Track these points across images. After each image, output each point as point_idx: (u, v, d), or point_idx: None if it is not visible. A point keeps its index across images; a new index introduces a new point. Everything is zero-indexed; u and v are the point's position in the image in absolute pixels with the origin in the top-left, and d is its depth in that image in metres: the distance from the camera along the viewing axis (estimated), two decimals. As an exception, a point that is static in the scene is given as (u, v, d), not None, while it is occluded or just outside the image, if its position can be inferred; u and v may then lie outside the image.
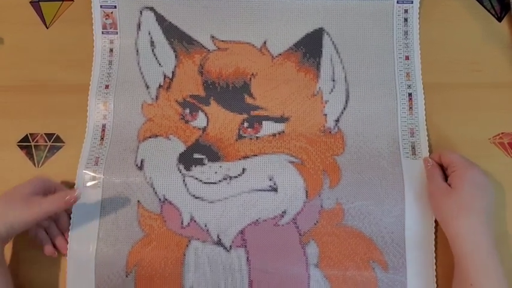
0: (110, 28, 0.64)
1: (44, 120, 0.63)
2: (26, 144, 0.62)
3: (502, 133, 0.61)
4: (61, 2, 0.67)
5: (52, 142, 0.62)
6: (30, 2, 0.67)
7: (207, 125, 0.60)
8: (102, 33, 0.64)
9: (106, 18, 0.64)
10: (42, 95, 0.64)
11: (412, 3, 0.63)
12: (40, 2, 0.67)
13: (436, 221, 0.56)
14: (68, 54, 0.63)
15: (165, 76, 0.63)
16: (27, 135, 0.62)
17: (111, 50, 0.64)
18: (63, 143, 0.62)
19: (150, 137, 0.60)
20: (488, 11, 0.66)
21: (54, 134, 0.62)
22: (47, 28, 0.66)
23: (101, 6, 0.64)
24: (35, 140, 0.62)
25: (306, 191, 0.58)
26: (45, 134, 0.62)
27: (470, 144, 0.60)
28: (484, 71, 0.63)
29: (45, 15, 0.66)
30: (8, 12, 0.66)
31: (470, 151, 0.58)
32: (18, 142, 0.62)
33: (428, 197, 0.55)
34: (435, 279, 0.56)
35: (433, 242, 0.56)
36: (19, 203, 0.51)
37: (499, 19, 0.66)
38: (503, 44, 0.64)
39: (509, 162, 0.60)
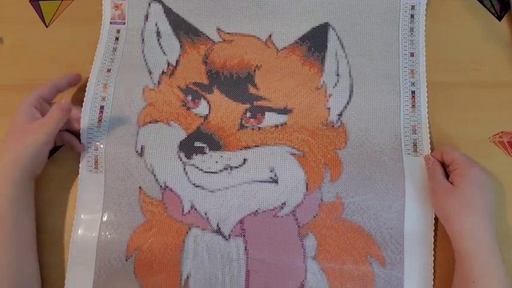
0: (118, 19, 0.65)
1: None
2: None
3: (502, 132, 0.61)
4: (60, 1, 0.67)
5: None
6: (30, 1, 0.67)
7: (209, 113, 0.60)
8: (110, 23, 0.65)
9: (115, 9, 0.65)
10: None
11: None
12: (40, 1, 0.67)
13: (435, 219, 0.57)
14: (68, 53, 0.63)
15: (168, 64, 0.63)
16: (27, 133, 0.62)
17: (117, 39, 0.65)
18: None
19: (150, 122, 0.61)
20: (488, 9, 0.66)
21: None
22: (47, 27, 0.66)
23: None
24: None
25: (307, 184, 0.58)
26: None
27: (470, 143, 0.61)
28: (484, 70, 0.63)
29: (44, 14, 0.67)
30: (8, 11, 0.67)
31: (470, 150, 0.59)
32: (18, 141, 0.62)
33: (430, 194, 0.55)
34: (432, 276, 0.56)
35: (432, 240, 0.57)
36: (25, 137, 0.54)
37: (499, 18, 0.66)
38: (503, 43, 0.65)
39: (509, 161, 0.60)
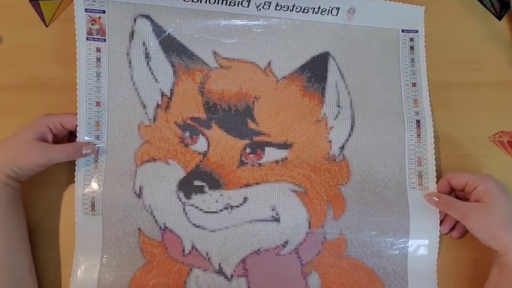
0: (97, 34, 0.61)
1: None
2: (26, 143, 0.64)
3: (502, 132, 0.64)
4: (60, 1, 0.67)
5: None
6: (30, 1, 0.67)
7: (208, 149, 0.61)
8: (87, 39, 0.60)
9: (92, 24, 0.60)
10: (42, 93, 0.65)
11: (417, 32, 0.65)
12: (39, 1, 0.67)
13: (438, 253, 0.60)
14: (68, 53, 0.62)
15: (162, 94, 0.62)
16: (27, 133, 0.65)
17: (98, 60, 0.61)
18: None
19: (148, 161, 0.61)
20: (488, 9, 0.68)
21: None
22: (47, 26, 0.67)
23: (85, 10, 0.60)
24: (35, 138, 0.64)
25: (309, 222, 0.59)
26: None
27: (470, 143, 0.64)
28: (483, 69, 0.66)
29: (44, 14, 0.67)
30: (8, 11, 0.67)
31: (469, 150, 0.63)
32: (18, 140, 0.64)
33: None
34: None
35: (436, 274, 0.60)
36: (22, 149, 0.56)
37: (499, 17, 0.68)
38: (503, 42, 0.67)
39: (509, 160, 0.64)
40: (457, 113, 0.64)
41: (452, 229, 0.60)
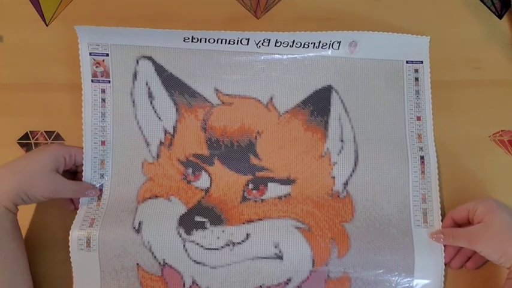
0: (102, 76, 0.63)
1: (44, 118, 0.66)
2: (26, 142, 0.65)
3: (502, 131, 0.64)
4: (60, 0, 0.69)
5: (52, 140, 0.65)
6: (30, 0, 0.69)
7: (210, 185, 0.61)
8: (92, 81, 0.63)
9: (96, 66, 0.63)
10: (42, 92, 0.66)
11: (422, 63, 0.65)
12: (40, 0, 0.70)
13: None
14: (68, 52, 0.65)
15: (165, 132, 0.64)
16: (27, 132, 0.66)
17: (103, 100, 0.63)
18: (63, 140, 0.66)
19: (149, 198, 0.61)
20: (489, 8, 0.69)
21: (54, 131, 0.66)
22: (47, 26, 0.69)
23: (90, 54, 0.63)
24: (35, 138, 0.66)
25: (313, 260, 0.59)
26: (45, 131, 0.66)
27: (470, 142, 0.64)
28: (484, 68, 0.66)
29: (44, 13, 0.69)
30: (8, 9, 0.69)
31: (470, 149, 0.63)
32: (18, 140, 0.66)
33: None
34: None
35: None
36: (39, 179, 0.56)
37: (500, 16, 0.68)
38: (504, 41, 0.67)
39: (509, 160, 0.63)
40: (458, 113, 0.64)
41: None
